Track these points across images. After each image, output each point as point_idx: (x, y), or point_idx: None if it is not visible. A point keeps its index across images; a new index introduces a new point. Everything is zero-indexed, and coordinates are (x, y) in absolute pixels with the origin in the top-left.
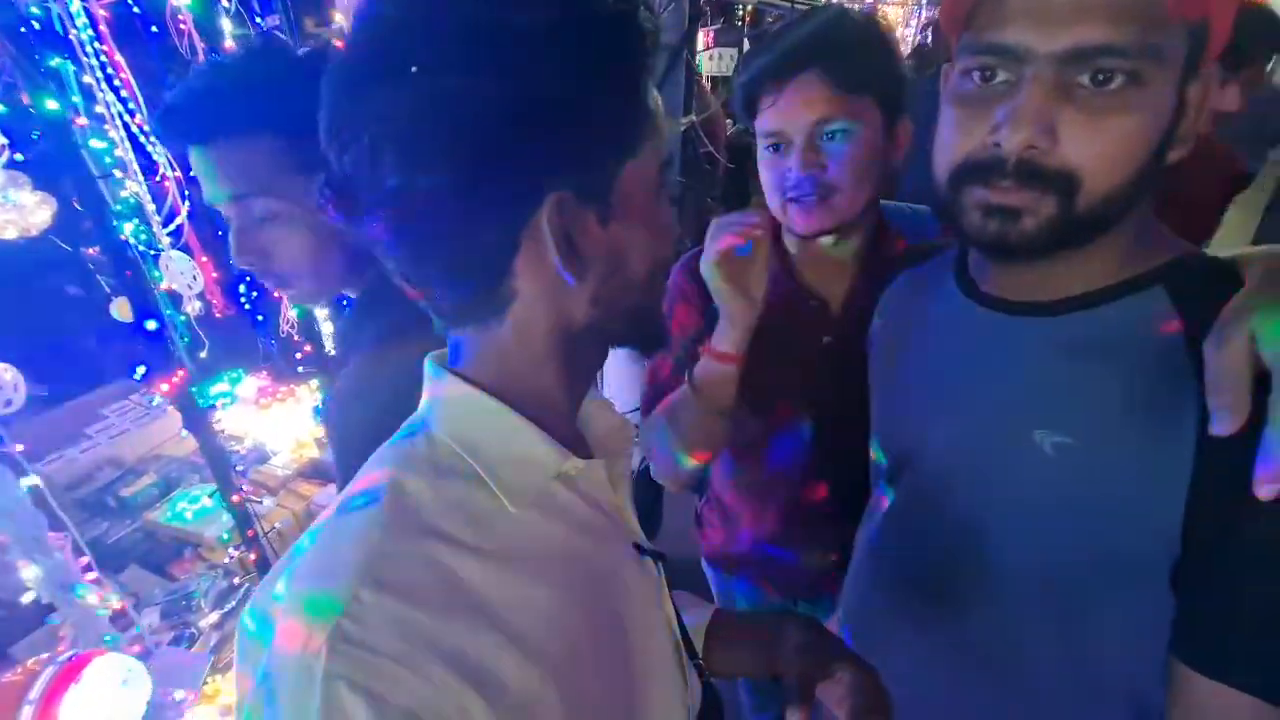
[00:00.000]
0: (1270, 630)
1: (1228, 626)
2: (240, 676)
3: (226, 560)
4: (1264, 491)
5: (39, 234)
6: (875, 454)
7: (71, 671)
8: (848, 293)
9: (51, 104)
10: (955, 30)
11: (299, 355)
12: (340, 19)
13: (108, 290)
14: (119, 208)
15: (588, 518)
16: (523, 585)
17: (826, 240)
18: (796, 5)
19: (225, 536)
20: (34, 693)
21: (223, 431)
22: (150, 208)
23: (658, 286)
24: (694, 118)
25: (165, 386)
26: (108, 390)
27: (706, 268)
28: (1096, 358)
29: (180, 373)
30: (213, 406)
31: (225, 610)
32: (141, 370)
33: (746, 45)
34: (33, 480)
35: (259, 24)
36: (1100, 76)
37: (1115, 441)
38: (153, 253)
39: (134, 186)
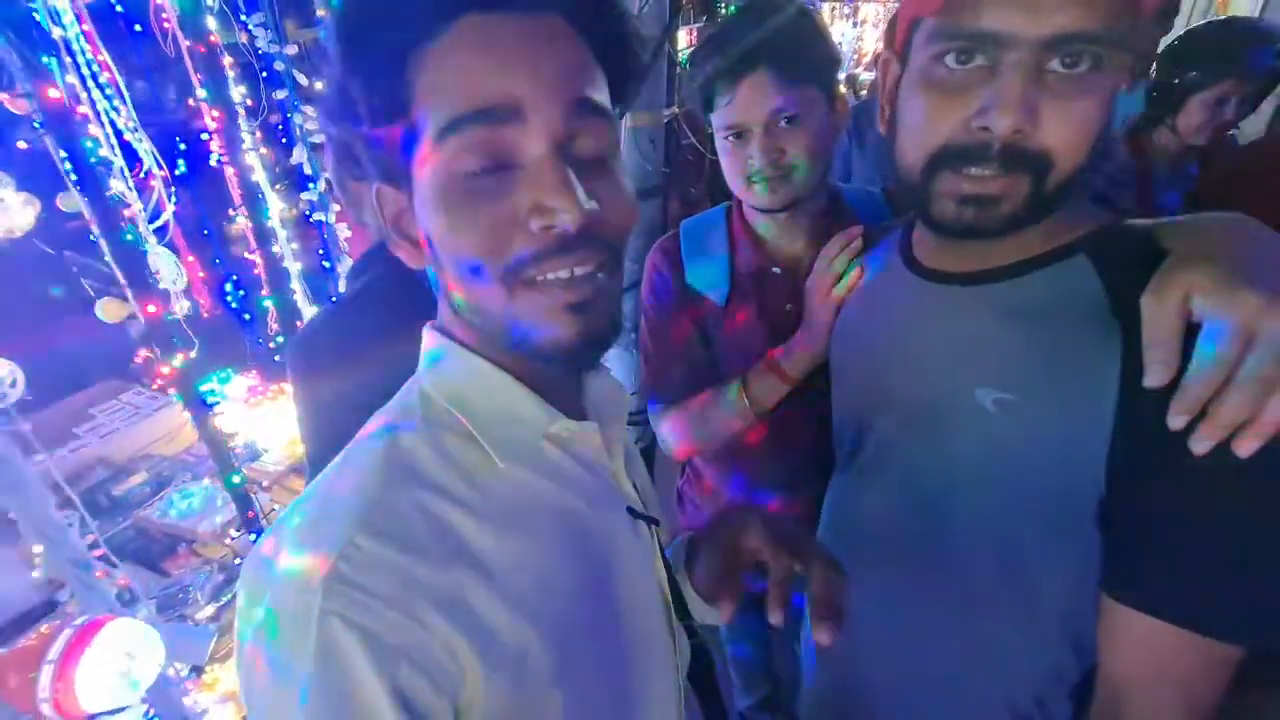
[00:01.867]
0: (1184, 562)
1: (1147, 560)
2: (245, 605)
3: (221, 554)
4: (1177, 422)
5: (22, 235)
6: (836, 421)
7: (87, 634)
8: (810, 262)
9: (55, 93)
10: (926, 12)
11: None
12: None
13: (91, 292)
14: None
15: (580, 479)
16: (513, 541)
17: (784, 214)
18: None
19: (235, 535)
20: (52, 653)
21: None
22: (136, 206)
23: (481, 287)
24: (676, 109)
25: (166, 370)
26: (95, 391)
27: (830, 299)
28: (1028, 320)
29: (180, 356)
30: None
31: (221, 604)
32: (144, 353)
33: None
34: (40, 459)
35: (244, 22)
36: (1068, 61)
37: (1047, 394)
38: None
39: (119, 185)
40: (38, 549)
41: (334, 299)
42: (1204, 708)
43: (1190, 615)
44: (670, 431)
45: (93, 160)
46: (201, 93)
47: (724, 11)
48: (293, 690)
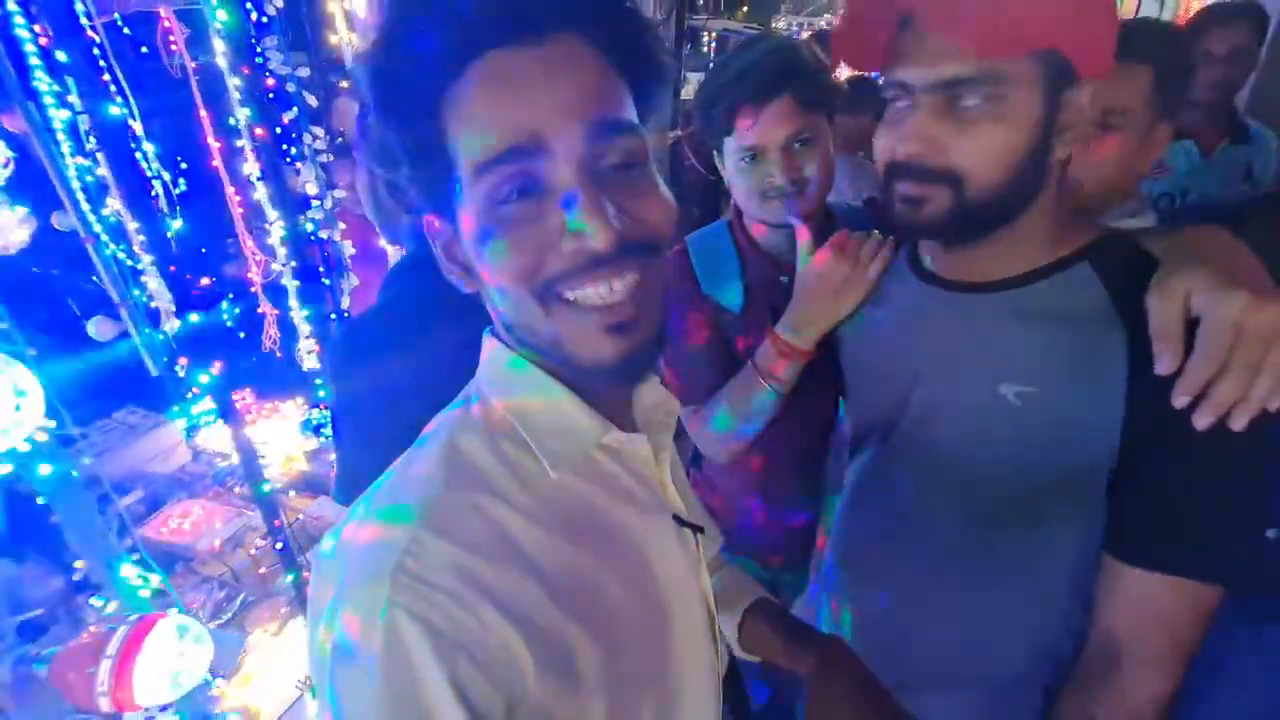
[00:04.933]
0: (1181, 520)
1: (1147, 521)
2: (317, 594)
3: (221, 572)
4: (1182, 401)
5: (16, 252)
6: (850, 422)
7: (144, 629)
8: None
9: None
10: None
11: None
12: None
13: (77, 312)
14: (99, 226)
15: (630, 488)
16: (565, 545)
17: (788, 227)
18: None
19: (219, 549)
20: (111, 648)
21: (205, 450)
22: (132, 226)
23: (523, 307)
24: (679, 132)
25: (204, 377)
26: (89, 410)
27: (840, 281)
28: (1042, 322)
29: (218, 364)
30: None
31: (222, 621)
32: (184, 361)
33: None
34: (85, 460)
35: (254, 45)
36: (961, 99)
37: (1065, 385)
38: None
39: (114, 205)
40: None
41: (332, 315)
42: (1186, 646)
43: (1180, 563)
44: (704, 431)
45: (89, 179)
46: (204, 113)
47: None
48: (361, 676)
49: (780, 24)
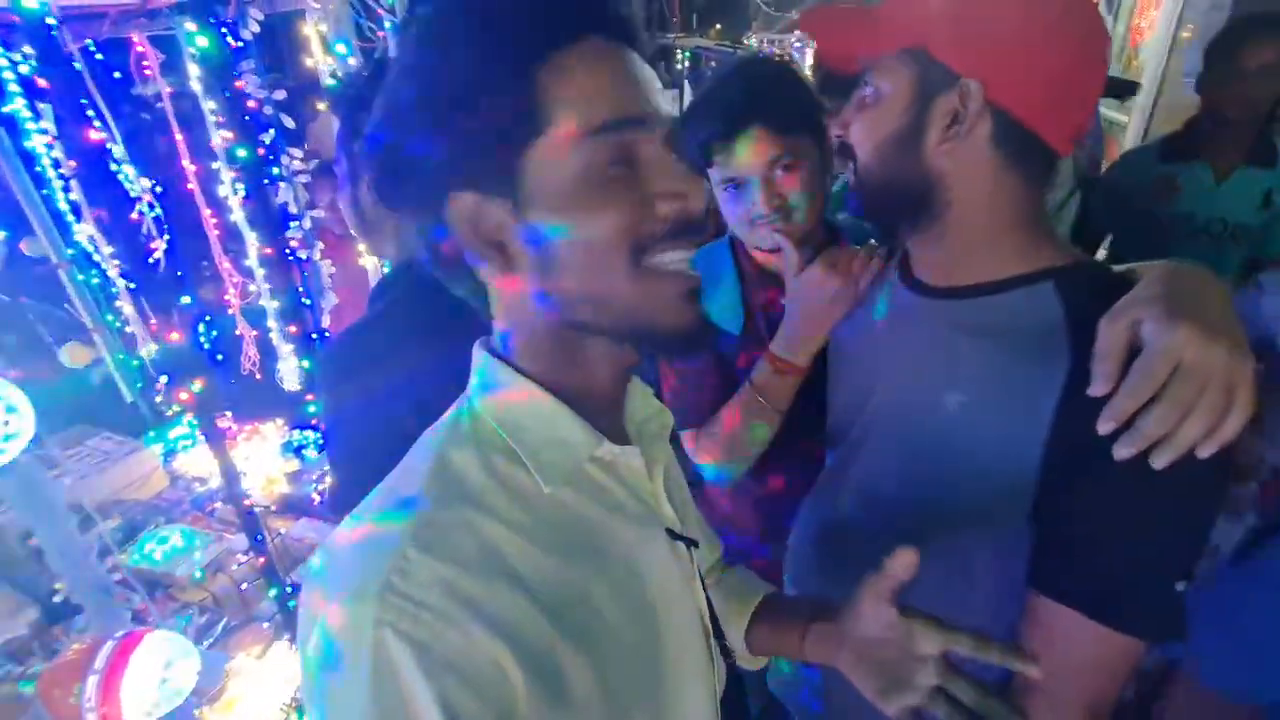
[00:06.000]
0: (1099, 560)
1: (1068, 556)
2: (305, 611)
3: (201, 598)
4: (1105, 427)
5: None
6: (829, 424)
7: (130, 644)
8: None
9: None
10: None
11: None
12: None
13: (48, 340)
14: (71, 251)
15: (623, 501)
16: (557, 561)
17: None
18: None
19: (199, 574)
20: (98, 663)
21: (183, 474)
22: (107, 250)
23: (612, 273)
24: None
25: (185, 395)
26: (63, 436)
27: (831, 291)
28: (994, 333)
29: (198, 382)
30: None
31: (204, 647)
32: (162, 384)
33: (687, 88)
34: (68, 481)
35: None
36: (863, 90)
37: (997, 397)
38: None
39: (88, 229)
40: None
41: (314, 335)
42: (1104, 697)
43: (1100, 609)
44: (703, 452)
45: (62, 206)
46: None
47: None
48: (349, 695)
49: (751, 41)
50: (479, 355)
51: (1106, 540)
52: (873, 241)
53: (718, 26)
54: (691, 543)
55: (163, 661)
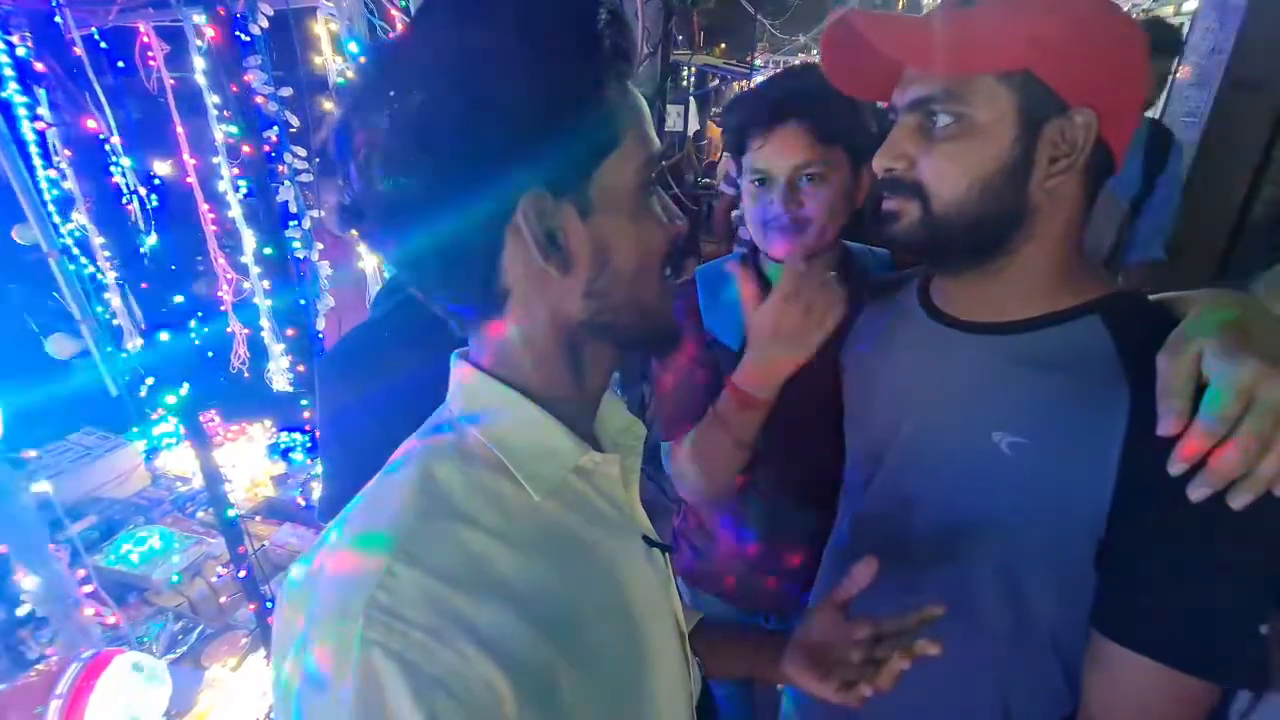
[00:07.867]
0: (1172, 603)
1: (1138, 600)
2: (285, 628)
3: (177, 603)
4: (1177, 469)
5: None
6: (850, 457)
7: (97, 667)
8: None
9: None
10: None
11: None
12: (318, 60)
13: (35, 329)
14: (64, 240)
15: (601, 509)
16: (543, 571)
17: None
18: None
19: (176, 578)
20: (61, 687)
21: (165, 473)
22: (98, 241)
23: (650, 280)
24: (663, 163)
25: (170, 399)
26: (41, 432)
27: (782, 318)
28: (1043, 370)
29: (184, 389)
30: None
31: (177, 655)
32: (150, 381)
33: (692, 104)
34: (44, 486)
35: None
36: (933, 118)
37: (1059, 440)
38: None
39: (80, 219)
40: (28, 583)
41: (308, 336)
42: None
43: (1173, 653)
44: (682, 468)
45: (55, 194)
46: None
47: (686, 74)
48: (333, 714)
49: (758, 61)
50: (460, 367)
51: (1182, 583)
52: (833, 275)
53: (723, 45)
54: (667, 548)
55: (131, 685)
